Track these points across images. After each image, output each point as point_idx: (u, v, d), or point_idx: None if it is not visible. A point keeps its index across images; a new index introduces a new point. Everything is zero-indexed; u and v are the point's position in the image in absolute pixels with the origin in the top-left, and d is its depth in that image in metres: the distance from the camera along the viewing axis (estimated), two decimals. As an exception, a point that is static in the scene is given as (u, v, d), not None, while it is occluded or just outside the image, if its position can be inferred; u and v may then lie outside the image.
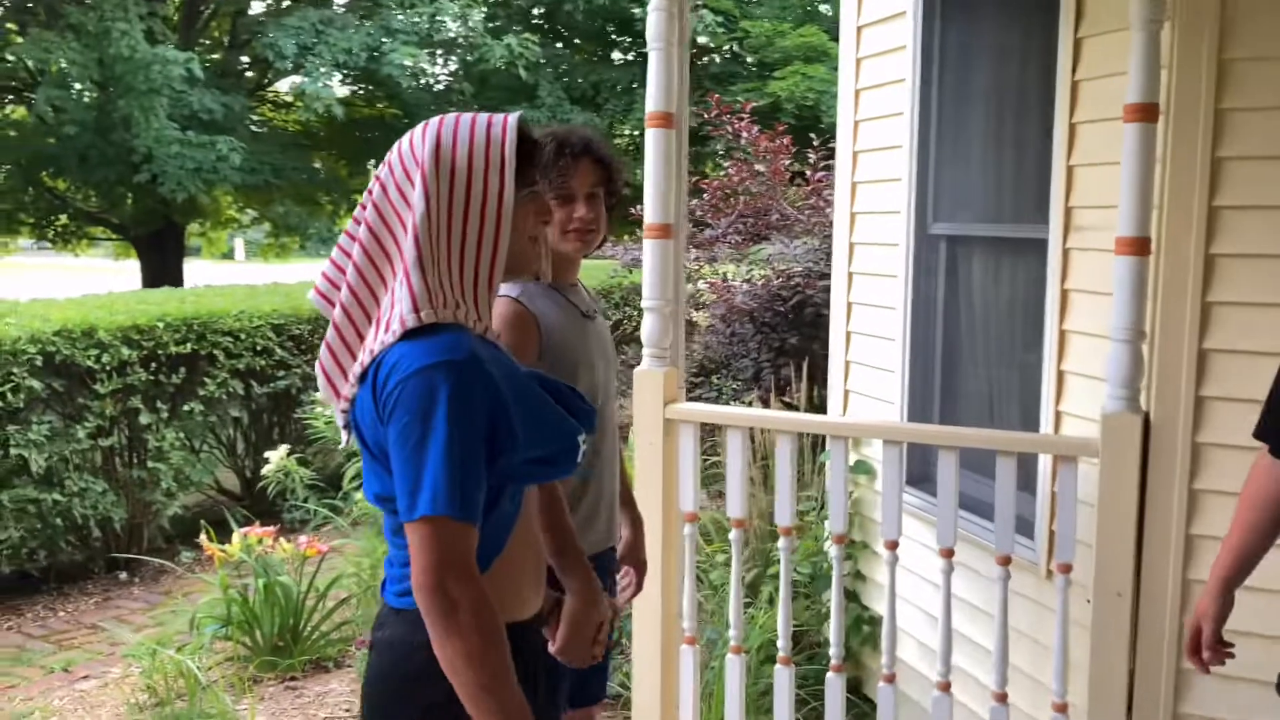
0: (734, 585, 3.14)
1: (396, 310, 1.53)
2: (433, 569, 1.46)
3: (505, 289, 2.34)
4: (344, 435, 1.63)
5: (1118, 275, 2.57)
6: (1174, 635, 2.65)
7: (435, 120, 1.60)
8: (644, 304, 3.13)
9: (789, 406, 5.92)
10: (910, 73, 3.79)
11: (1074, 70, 3.02)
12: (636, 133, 15.94)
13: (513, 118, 1.58)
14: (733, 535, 3.14)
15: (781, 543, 3.06)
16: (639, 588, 2.67)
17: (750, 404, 6.26)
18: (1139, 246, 2.55)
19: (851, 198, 4.27)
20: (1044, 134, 3.16)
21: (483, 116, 1.59)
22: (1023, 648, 3.13)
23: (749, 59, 17.17)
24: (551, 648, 1.86)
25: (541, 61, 16.13)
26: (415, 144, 1.57)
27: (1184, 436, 2.65)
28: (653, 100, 3.05)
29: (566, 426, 1.64)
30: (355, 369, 1.57)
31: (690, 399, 7.03)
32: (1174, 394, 2.67)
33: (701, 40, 16.36)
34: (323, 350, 1.62)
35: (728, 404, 6.65)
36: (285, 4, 16.82)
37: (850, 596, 4.21)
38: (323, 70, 14.68)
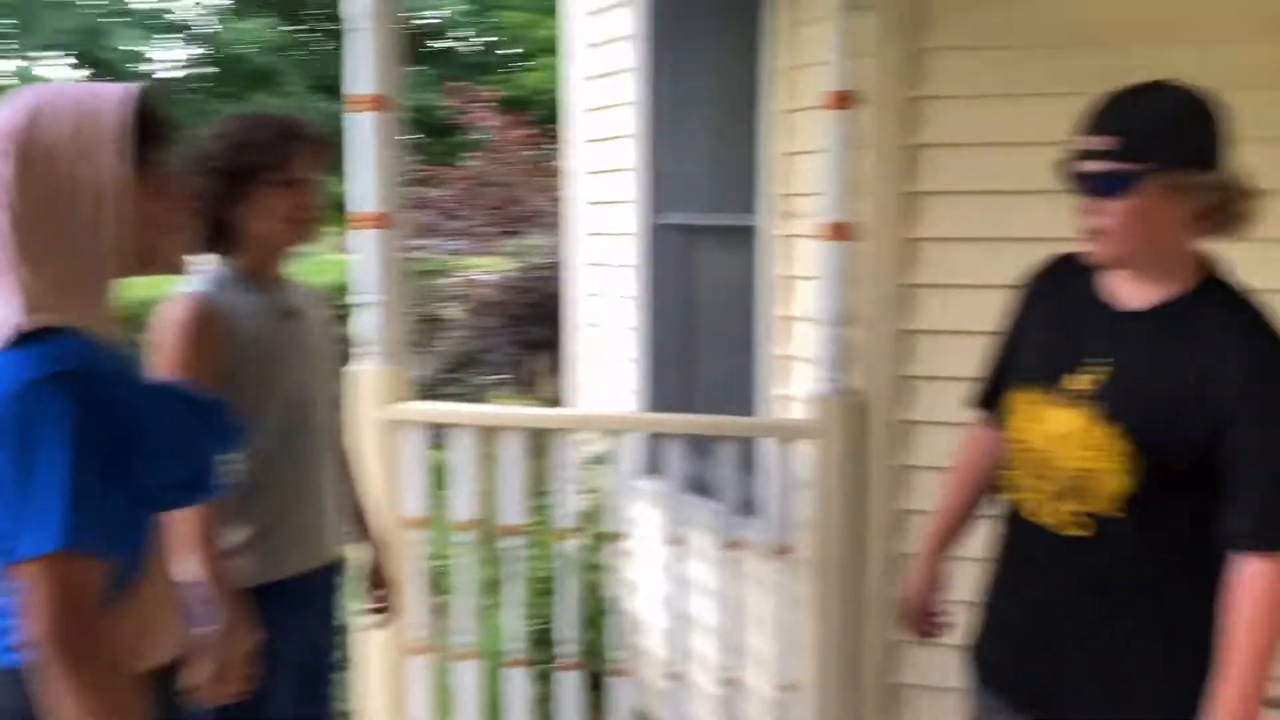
0: (464, 589, 3.01)
1: (1, 313, 1.32)
2: (53, 615, 1.26)
3: (190, 285, 2.11)
4: None
5: (825, 261, 2.62)
6: (884, 607, 2.73)
7: (33, 90, 1.36)
8: (359, 299, 2.94)
9: (530, 400, 5.83)
10: (637, 61, 3.77)
11: (783, 58, 3.06)
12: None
13: (132, 89, 1.38)
14: (461, 538, 3.02)
15: (510, 542, 2.96)
16: (390, 609, 2.50)
17: (499, 399, 6.14)
18: (843, 232, 2.60)
19: (585, 187, 4.22)
20: (757, 123, 3.20)
21: (93, 87, 1.37)
22: (760, 629, 3.16)
23: (502, 50, 17.02)
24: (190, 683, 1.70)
25: (282, 47, 15.38)
26: (6, 119, 1.34)
27: (890, 415, 2.74)
28: (361, 81, 2.87)
29: (205, 445, 1.46)
30: None
31: (443, 395, 6.85)
32: (880, 374, 2.74)
33: (453, 31, 16.06)
34: None
35: (481, 399, 6.51)
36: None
37: (592, 590, 4.17)
38: (34, 51, 13.44)
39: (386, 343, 2.95)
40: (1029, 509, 1.72)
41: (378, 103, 2.87)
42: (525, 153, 7.64)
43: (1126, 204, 1.53)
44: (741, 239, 3.39)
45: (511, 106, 12.29)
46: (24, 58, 13.11)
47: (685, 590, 2.95)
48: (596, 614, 4.03)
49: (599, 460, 4.01)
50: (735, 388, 3.71)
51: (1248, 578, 1.55)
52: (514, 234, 7.40)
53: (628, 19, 3.85)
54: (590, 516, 4.21)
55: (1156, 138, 1.52)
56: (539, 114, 10.07)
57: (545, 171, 8.03)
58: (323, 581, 2.28)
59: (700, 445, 3.08)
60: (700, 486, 3.31)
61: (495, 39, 17.09)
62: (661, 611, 3.76)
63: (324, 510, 2.26)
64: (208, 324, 2.05)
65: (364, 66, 2.86)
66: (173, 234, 1.45)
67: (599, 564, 4.20)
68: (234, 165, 2.08)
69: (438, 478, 3.88)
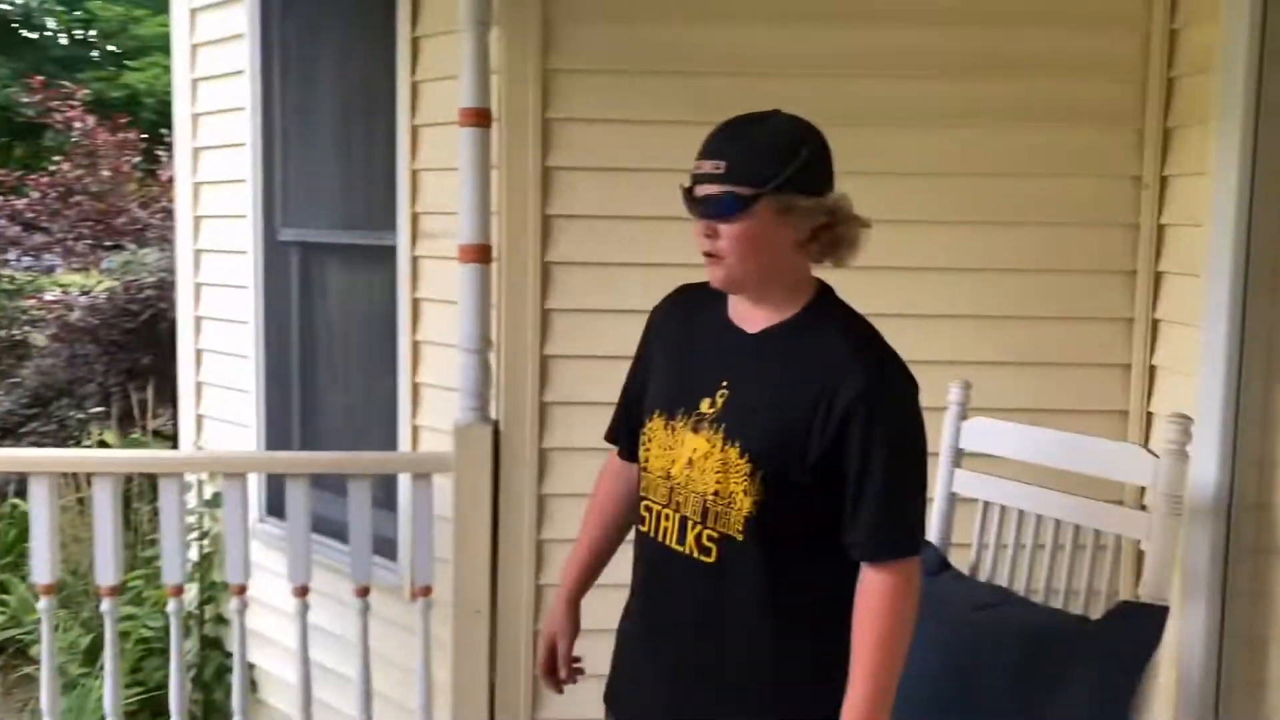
0: (46, 663, 2.58)
1: None
2: None
3: None
4: None
5: (462, 284, 2.50)
6: (529, 643, 2.65)
7: None
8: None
9: (138, 435, 5.24)
10: (250, 63, 3.46)
11: (414, 70, 2.91)
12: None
13: None
14: (42, 605, 2.58)
15: (105, 605, 2.58)
16: None
17: (99, 435, 5.46)
18: (480, 254, 2.50)
19: (194, 200, 3.84)
20: (390, 136, 3.03)
21: None
22: (390, 674, 2.97)
23: (99, 45, 15.43)
24: None
25: None
26: None
27: (531, 443, 2.66)
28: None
29: None
30: None
31: (21, 435, 6.00)
32: (520, 401, 2.66)
33: (37, 19, 14.35)
34: None
35: (71, 437, 5.76)
36: None
37: (213, 644, 3.78)
38: None
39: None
40: (664, 536, 1.73)
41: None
42: (127, 159, 6.88)
43: (738, 226, 1.59)
44: (375, 259, 3.19)
45: (110, 107, 11.16)
46: None
47: (318, 636, 2.70)
48: (216, 674, 3.65)
49: (214, 503, 3.64)
50: (373, 418, 3.49)
51: (865, 587, 1.62)
52: (113, 249, 6.64)
53: (238, 17, 3.52)
54: (207, 565, 3.81)
55: (765, 162, 1.58)
56: (147, 118, 9.19)
57: (152, 181, 7.31)
58: None
59: (328, 482, 2.85)
60: (330, 527, 3.07)
61: (92, 35, 15.46)
62: (286, 663, 3.47)
63: None
64: None
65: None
66: None
67: (218, 617, 3.81)
68: None
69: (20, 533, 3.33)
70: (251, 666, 3.60)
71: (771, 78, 2.48)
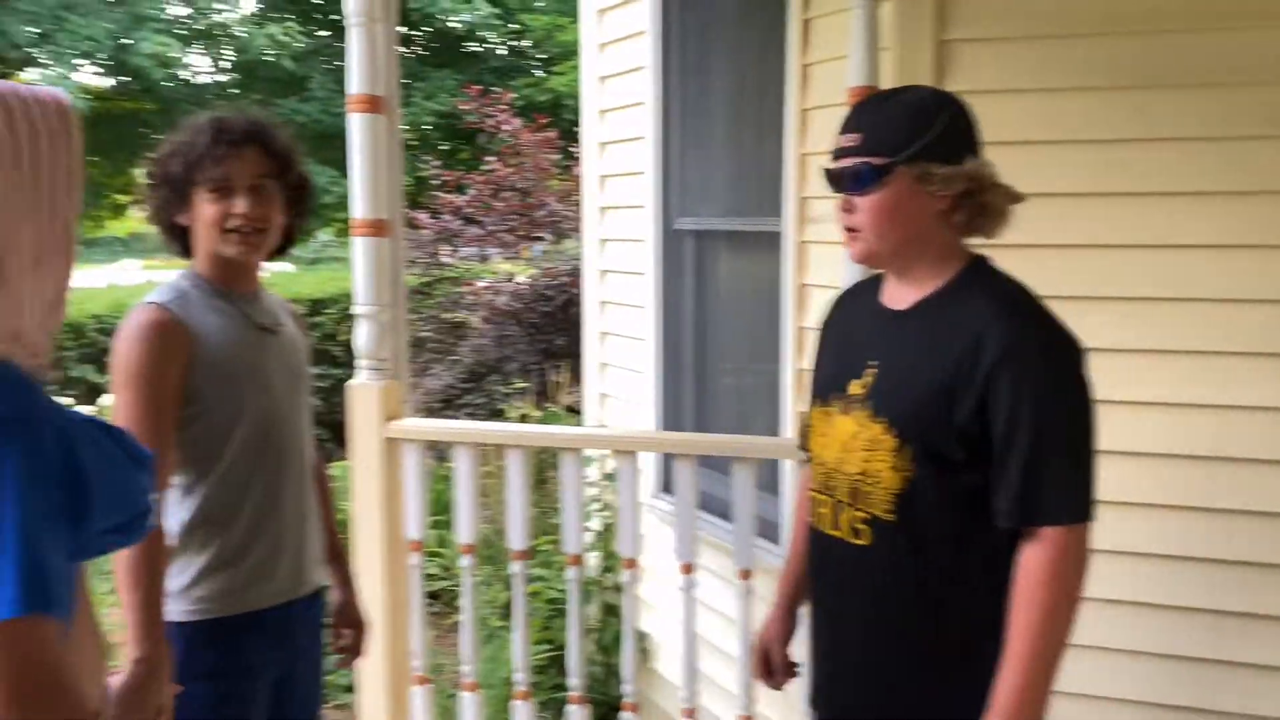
0: (465, 616, 2.86)
1: None
2: (17, 686, 1.11)
3: (155, 295, 1.98)
4: None
5: (848, 270, 2.44)
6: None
7: None
8: (356, 310, 2.80)
9: (553, 409, 5.68)
10: (651, 58, 3.61)
11: (804, 53, 2.89)
12: (425, 126, 15.40)
13: (63, 97, 1.21)
14: (462, 563, 2.86)
15: (514, 567, 2.81)
16: (359, 650, 2.35)
17: (520, 409, 5.99)
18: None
19: (599, 191, 4.07)
20: (778, 122, 3.03)
21: (23, 88, 1.21)
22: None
23: (530, 54, 16.92)
24: None
25: (311, 51, 15.36)
26: None
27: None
28: (355, 82, 2.73)
29: (139, 484, 1.30)
30: None
31: (459, 406, 6.73)
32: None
33: (479, 33, 15.99)
34: None
35: (498, 409, 6.37)
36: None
37: (612, 612, 4.01)
38: (65, 60, 13.46)
39: (382, 356, 2.81)
40: (825, 524, 1.70)
41: (372, 103, 2.73)
42: (546, 157, 7.49)
43: (873, 198, 1.56)
44: (762, 244, 3.22)
45: (537, 110, 12.19)
46: (53, 66, 13.13)
47: (707, 614, 2.77)
48: (614, 639, 3.87)
49: (611, 477, 3.86)
50: (758, 402, 3.53)
51: (1021, 562, 1.53)
52: (535, 239, 7.26)
53: (640, 14, 3.69)
54: (608, 536, 4.05)
55: (899, 131, 1.55)
56: (567, 118, 9.95)
57: (568, 177, 7.90)
58: (304, 613, 2.13)
59: (716, 462, 2.91)
60: (717, 506, 3.15)
61: (524, 44, 17.01)
62: (678, 635, 3.60)
63: (300, 537, 2.11)
64: (167, 334, 1.91)
65: (356, 65, 2.72)
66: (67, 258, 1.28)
67: (617, 585, 4.05)
68: (173, 173, 1.98)
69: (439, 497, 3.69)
70: (644, 635, 3.78)
71: (1192, 33, 2.18)
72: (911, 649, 1.63)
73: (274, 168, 2.04)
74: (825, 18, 2.83)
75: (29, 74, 15.27)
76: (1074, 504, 1.53)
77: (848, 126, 1.61)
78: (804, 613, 1.93)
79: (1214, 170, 2.30)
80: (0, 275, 1.18)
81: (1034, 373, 1.51)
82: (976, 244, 1.66)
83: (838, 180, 1.61)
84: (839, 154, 1.60)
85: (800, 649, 1.94)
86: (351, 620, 2.31)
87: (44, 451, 1.15)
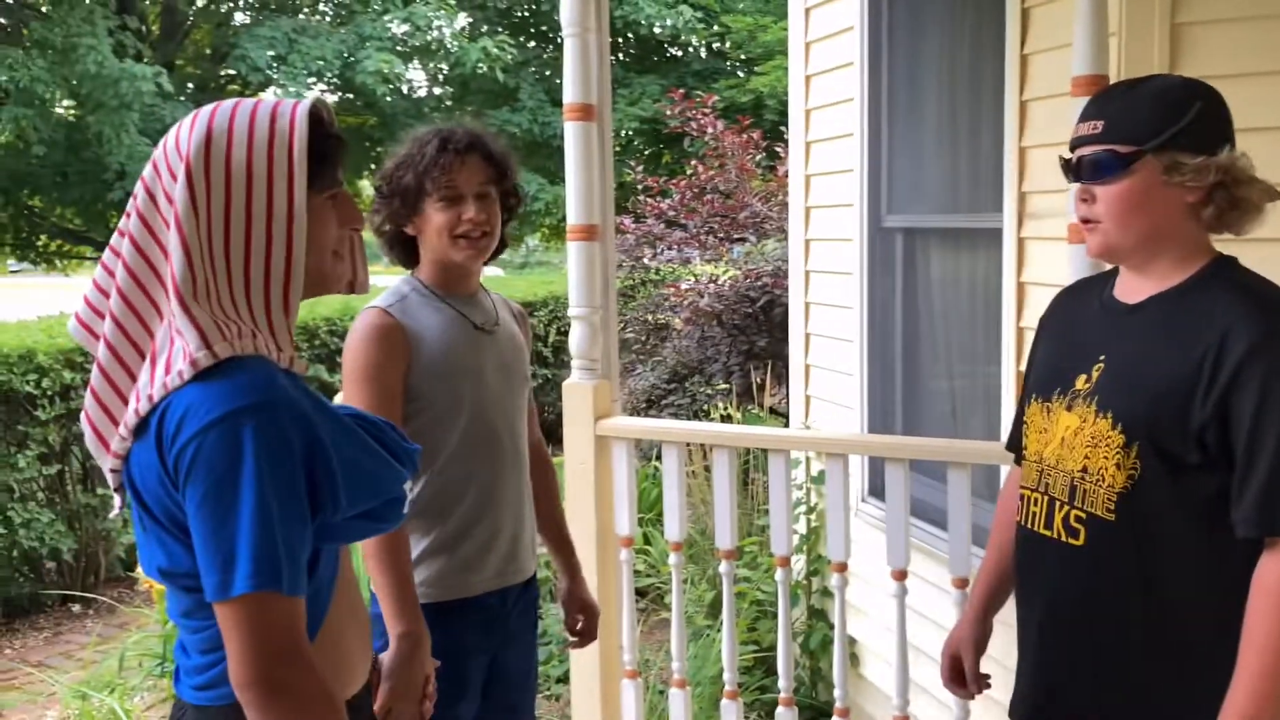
0: (675, 614, 2.90)
1: (179, 345, 1.25)
2: (257, 656, 1.20)
3: (379, 300, 2.11)
4: (116, 498, 1.34)
5: (1074, 266, 2.33)
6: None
7: (207, 109, 1.31)
8: (571, 312, 2.89)
9: (756, 411, 5.67)
10: (859, 55, 3.56)
11: (1023, 43, 2.78)
12: (627, 132, 15.68)
13: (303, 105, 1.31)
14: (672, 560, 2.90)
15: (723, 567, 2.82)
16: (592, 634, 2.43)
17: (723, 410, 6.02)
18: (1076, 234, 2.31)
19: (805, 191, 4.04)
20: (996, 115, 2.92)
21: (266, 104, 1.31)
22: (989, 668, 2.88)
23: (732, 55, 16.94)
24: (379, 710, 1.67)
25: (521, 63, 15.88)
26: (181, 139, 1.29)
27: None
28: (569, 91, 2.82)
29: (392, 474, 1.38)
30: (128, 417, 1.28)
31: (663, 406, 6.81)
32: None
33: (682, 37, 16.13)
34: (88, 395, 1.33)
35: (701, 410, 6.42)
36: (263, 14, 16.59)
37: (819, 615, 3.97)
38: (298, 80, 14.44)
39: (594, 356, 2.88)
40: (1032, 522, 1.64)
41: (585, 111, 2.81)
42: (749, 158, 7.48)
43: (1116, 188, 1.49)
44: (979, 242, 3.12)
45: (739, 111, 12.21)
46: (285, 87, 14.11)
47: (919, 622, 2.71)
48: (821, 644, 3.83)
49: (819, 480, 3.82)
50: (973, 405, 3.42)
51: (1259, 574, 1.42)
52: (737, 241, 7.27)
53: (846, 11, 3.64)
54: (814, 539, 4.02)
55: (1148, 119, 1.48)
56: (769, 119, 9.92)
57: (771, 177, 7.87)
58: (517, 600, 2.21)
59: (928, 468, 2.84)
60: (931, 513, 3.07)
61: (726, 46, 17.04)
62: (887, 641, 3.53)
63: (515, 527, 2.20)
64: (391, 336, 2.04)
65: (570, 75, 2.80)
66: (341, 259, 1.39)
67: (823, 589, 4.00)
68: (402, 183, 2.08)
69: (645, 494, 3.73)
70: (853, 641, 3.73)
71: None
72: (1128, 659, 1.56)
73: (494, 175, 2.14)
74: (1046, 5, 2.72)
75: (268, 94, 16.51)
76: None
77: (1088, 114, 1.55)
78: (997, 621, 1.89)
79: None
80: (229, 285, 1.28)
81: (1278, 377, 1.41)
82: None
83: (1076, 170, 1.55)
84: (1078, 143, 1.55)
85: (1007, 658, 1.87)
86: (582, 605, 2.39)
87: (285, 438, 1.23)
